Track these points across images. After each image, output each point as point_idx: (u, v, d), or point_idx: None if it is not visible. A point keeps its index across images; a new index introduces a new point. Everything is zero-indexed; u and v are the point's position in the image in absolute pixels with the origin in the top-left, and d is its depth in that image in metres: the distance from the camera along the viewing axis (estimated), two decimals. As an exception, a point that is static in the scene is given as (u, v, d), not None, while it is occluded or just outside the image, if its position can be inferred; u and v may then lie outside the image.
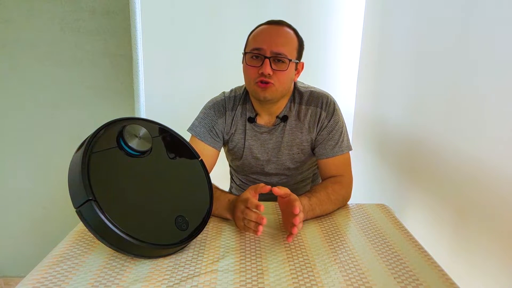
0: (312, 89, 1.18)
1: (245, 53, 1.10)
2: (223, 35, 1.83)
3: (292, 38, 1.09)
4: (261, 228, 0.84)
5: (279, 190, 0.90)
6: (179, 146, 0.94)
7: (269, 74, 1.04)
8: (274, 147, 1.19)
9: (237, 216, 0.92)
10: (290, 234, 0.86)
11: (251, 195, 0.92)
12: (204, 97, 1.25)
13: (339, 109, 1.17)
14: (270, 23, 1.11)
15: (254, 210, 0.87)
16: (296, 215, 0.85)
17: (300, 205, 0.88)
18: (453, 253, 1.08)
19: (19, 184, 1.87)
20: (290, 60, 1.06)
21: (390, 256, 0.83)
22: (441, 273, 0.76)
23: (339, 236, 0.92)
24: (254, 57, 1.07)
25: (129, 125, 0.84)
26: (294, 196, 0.92)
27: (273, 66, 1.05)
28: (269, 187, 0.90)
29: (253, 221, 0.86)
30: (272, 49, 1.04)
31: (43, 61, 1.74)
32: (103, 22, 1.71)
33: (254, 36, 1.10)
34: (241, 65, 1.12)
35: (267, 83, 1.06)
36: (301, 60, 1.14)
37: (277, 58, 1.05)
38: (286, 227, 0.94)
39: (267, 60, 1.04)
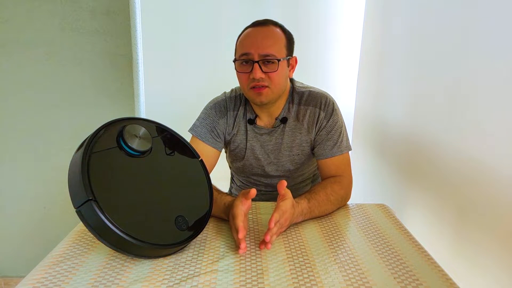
0: (311, 89, 1.18)
1: (235, 61, 1.09)
2: (223, 35, 1.83)
3: (279, 36, 1.08)
4: (241, 251, 0.81)
5: (281, 188, 0.89)
6: (179, 146, 0.94)
7: (260, 78, 1.04)
8: (274, 148, 1.19)
9: (230, 225, 0.91)
10: (263, 241, 0.84)
11: (241, 203, 0.88)
12: (204, 97, 1.25)
13: (338, 109, 1.17)
14: (255, 24, 1.10)
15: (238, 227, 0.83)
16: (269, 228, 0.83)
17: (277, 218, 0.85)
18: (453, 253, 1.08)
19: (19, 184, 1.87)
20: (279, 60, 1.05)
21: (390, 256, 0.83)
22: (441, 273, 0.76)
23: (339, 236, 0.92)
24: (243, 62, 1.06)
25: (129, 125, 0.84)
26: (285, 204, 0.89)
27: (264, 69, 1.04)
28: (254, 191, 0.87)
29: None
30: (259, 52, 1.03)
31: (43, 61, 1.74)
32: (103, 22, 1.71)
33: (241, 41, 1.09)
34: None
35: (261, 87, 1.05)
36: (294, 55, 1.14)
37: (266, 60, 1.04)
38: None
39: (256, 65, 1.03)
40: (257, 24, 1.10)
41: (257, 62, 1.03)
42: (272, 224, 0.83)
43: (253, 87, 1.06)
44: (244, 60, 1.06)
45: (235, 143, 1.21)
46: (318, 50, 1.94)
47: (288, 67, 1.12)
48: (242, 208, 0.87)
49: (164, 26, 1.85)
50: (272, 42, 1.06)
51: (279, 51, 1.06)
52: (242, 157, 1.22)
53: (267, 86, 1.06)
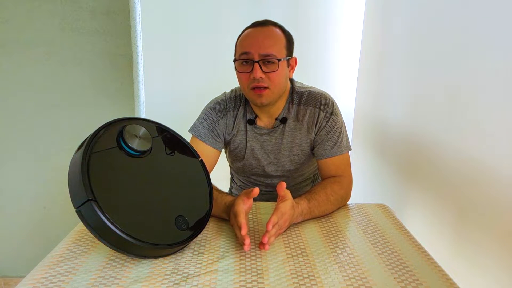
0: (310, 89, 1.18)
1: (235, 60, 1.09)
2: (223, 35, 1.83)
3: (279, 36, 1.08)
4: (246, 247, 0.81)
5: (281, 190, 0.89)
6: (179, 146, 0.94)
7: (261, 77, 1.04)
8: (274, 148, 1.19)
9: (231, 224, 0.92)
10: (261, 242, 0.83)
11: (243, 202, 0.88)
12: (204, 97, 1.25)
13: (338, 109, 1.17)
14: (255, 25, 1.10)
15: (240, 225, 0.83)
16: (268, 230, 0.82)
17: (274, 221, 0.84)
18: (453, 253, 1.08)
19: (19, 184, 1.87)
20: (280, 60, 1.05)
21: (390, 256, 0.83)
22: (441, 273, 0.76)
23: (339, 236, 0.92)
24: (243, 62, 1.06)
25: (129, 125, 0.84)
26: (285, 205, 0.88)
27: (264, 69, 1.04)
28: (257, 190, 0.87)
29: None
30: (260, 51, 1.03)
31: (43, 61, 1.74)
32: (103, 22, 1.71)
33: (241, 41, 1.09)
34: None
35: (262, 88, 1.05)
36: (293, 55, 1.14)
37: (267, 60, 1.04)
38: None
39: (256, 64, 1.03)
40: (257, 24, 1.10)
41: (258, 62, 1.04)
42: (270, 227, 0.82)
43: (254, 88, 1.06)
44: (244, 60, 1.06)
45: (235, 143, 1.21)
46: (318, 50, 1.93)
47: (288, 67, 1.12)
48: (244, 206, 0.88)
49: (164, 26, 1.85)
50: (273, 42, 1.06)
51: (279, 51, 1.06)
52: (242, 157, 1.22)
53: (267, 88, 1.06)
